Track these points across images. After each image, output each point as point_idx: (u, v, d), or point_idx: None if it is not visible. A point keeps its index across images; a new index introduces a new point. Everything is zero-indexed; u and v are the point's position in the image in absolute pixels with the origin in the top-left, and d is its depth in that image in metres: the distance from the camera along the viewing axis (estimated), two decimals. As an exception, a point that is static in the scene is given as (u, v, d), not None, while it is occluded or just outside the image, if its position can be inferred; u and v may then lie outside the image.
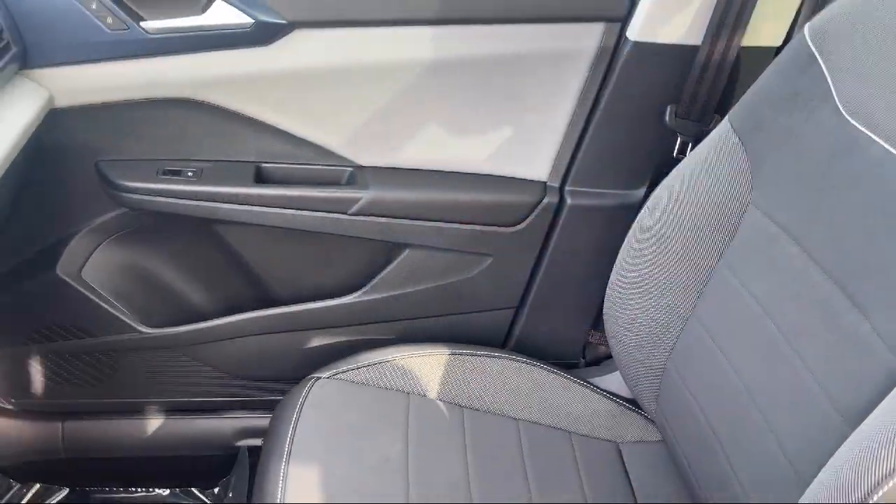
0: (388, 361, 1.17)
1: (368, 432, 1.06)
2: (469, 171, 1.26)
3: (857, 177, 0.77)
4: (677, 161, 1.07)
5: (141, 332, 1.31)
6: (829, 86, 0.83)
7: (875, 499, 0.60)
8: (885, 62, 0.78)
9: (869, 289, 0.73)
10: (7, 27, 1.03)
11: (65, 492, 1.48)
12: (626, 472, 1.08)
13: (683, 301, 1.01)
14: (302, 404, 1.09)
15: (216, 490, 1.48)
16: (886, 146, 0.75)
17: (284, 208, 1.21)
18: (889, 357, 0.68)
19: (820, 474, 0.68)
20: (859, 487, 0.61)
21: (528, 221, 1.27)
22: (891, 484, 0.59)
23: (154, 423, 1.43)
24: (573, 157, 1.25)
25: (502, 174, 1.27)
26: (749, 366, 0.89)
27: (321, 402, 1.10)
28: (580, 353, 1.40)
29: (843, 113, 0.81)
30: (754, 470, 0.85)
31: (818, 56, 0.85)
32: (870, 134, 0.77)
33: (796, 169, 0.86)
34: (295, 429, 1.05)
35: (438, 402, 1.13)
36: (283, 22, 1.10)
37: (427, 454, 1.05)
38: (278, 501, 0.94)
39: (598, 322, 1.36)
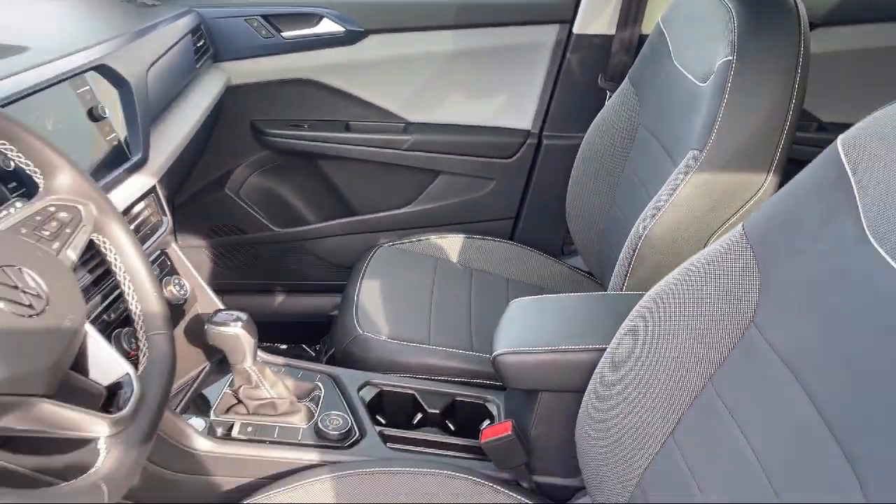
0: (425, 239, 1.80)
1: (408, 282, 1.65)
2: (478, 124, 1.90)
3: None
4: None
5: (273, 231, 1.99)
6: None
7: None
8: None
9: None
10: (207, 38, 1.75)
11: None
12: None
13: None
14: (367, 265, 1.70)
15: (317, 346, 2.13)
16: None
17: (363, 146, 1.87)
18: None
19: None
20: None
21: (518, 155, 1.90)
22: None
23: (278, 298, 2.10)
24: (546, 113, 1.87)
25: (500, 125, 1.91)
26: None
27: (379, 262, 1.72)
28: (560, 246, 2.00)
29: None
30: None
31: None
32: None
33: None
34: (362, 278, 1.64)
35: (456, 264, 1.75)
36: (362, 30, 1.78)
37: (445, 297, 1.61)
38: (356, 325, 1.49)
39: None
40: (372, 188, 1.97)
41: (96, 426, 0.69)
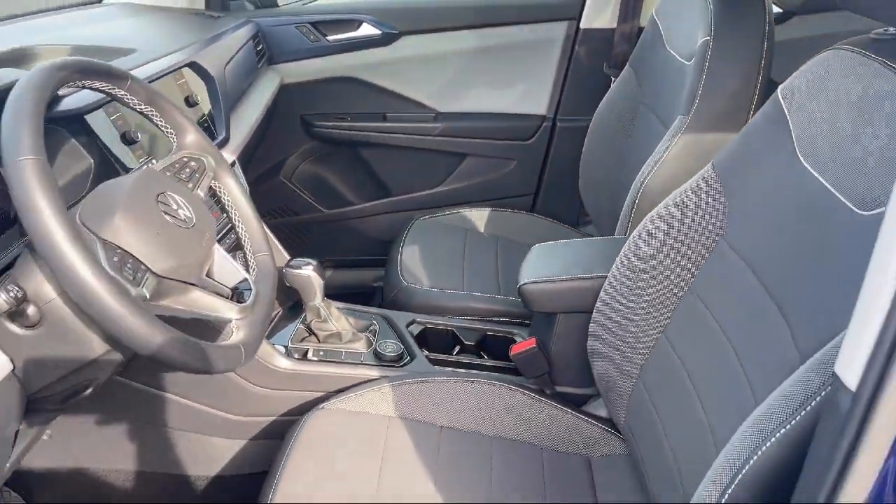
0: (456, 212, 2.02)
1: (443, 246, 1.88)
2: (499, 111, 2.14)
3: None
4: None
5: (321, 211, 2.24)
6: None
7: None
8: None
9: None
10: (264, 43, 2.01)
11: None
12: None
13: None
14: (406, 233, 1.93)
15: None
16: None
17: (398, 134, 2.12)
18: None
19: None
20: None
21: (535, 137, 2.13)
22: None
23: (326, 273, 2.34)
24: (559, 99, 2.10)
25: (519, 112, 2.14)
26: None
27: (417, 231, 1.95)
28: (576, 217, 2.22)
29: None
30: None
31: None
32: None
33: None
34: (403, 243, 1.88)
35: (483, 233, 1.98)
36: (396, 32, 2.03)
37: (475, 256, 1.82)
38: (401, 278, 1.75)
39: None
40: (407, 171, 2.21)
41: (229, 312, 0.93)
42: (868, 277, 0.53)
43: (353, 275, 2.35)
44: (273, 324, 1.48)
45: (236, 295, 0.99)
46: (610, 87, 2.02)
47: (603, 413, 1.31)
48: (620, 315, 1.18)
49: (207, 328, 1.00)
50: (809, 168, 0.90)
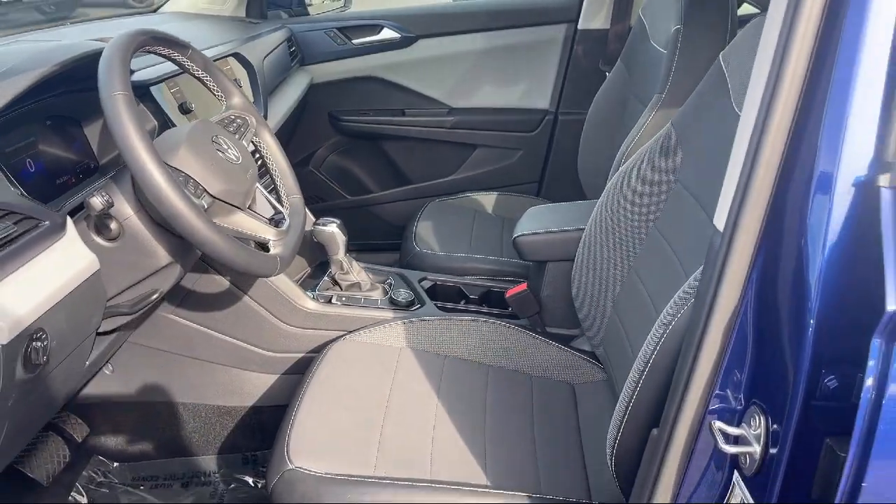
0: (466, 196, 2.22)
1: (454, 222, 2.09)
2: (507, 106, 2.35)
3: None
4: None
5: (346, 198, 2.46)
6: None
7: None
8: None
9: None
10: (297, 45, 2.25)
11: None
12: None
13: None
14: (421, 213, 2.14)
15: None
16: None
17: (415, 127, 2.33)
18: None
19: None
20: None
21: (539, 129, 2.33)
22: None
23: (350, 255, 2.55)
24: (560, 94, 2.30)
25: (524, 106, 2.34)
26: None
27: (431, 211, 2.15)
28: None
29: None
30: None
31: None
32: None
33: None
34: (418, 220, 2.08)
35: (491, 214, 2.17)
36: (413, 36, 2.26)
37: (481, 229, 2.04)
38: (415, 245, 1.96)
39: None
40: (423, 161, 2.42)
41: (267, 233, 1.14)
42: (732, 156, 0.72)
43: (372, 258, 2.54)
44: (301, 280, 1.69)
45: (272, 223, 1.19)
46: (604, 82, 2.22)
47: (586, 348, 1.48)
48: (596, 256, 1.36)
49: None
50: (738, 111, 1.08)
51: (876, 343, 0.58)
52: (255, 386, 1.59)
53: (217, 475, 1.62)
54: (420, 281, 1.71)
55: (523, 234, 1.51)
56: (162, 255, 1.08)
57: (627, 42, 1.97)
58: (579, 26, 2.20)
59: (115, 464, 1.63)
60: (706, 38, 1.55)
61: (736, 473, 0.77)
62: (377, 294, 1.61)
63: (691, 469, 0.81)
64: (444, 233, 1.98)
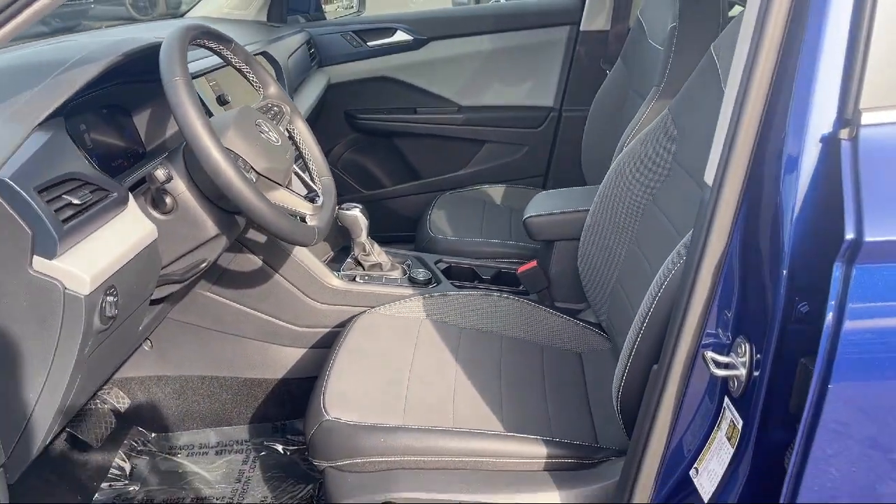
0: (477, 189, 2.33)
1: (465, 212, 2.21)
2: (513, 104, 2.47)
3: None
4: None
5: (361, 192, 2.58)
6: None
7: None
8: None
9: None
10: (315, 48, 2.37)
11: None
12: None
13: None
14: (434, 204, 2.25)
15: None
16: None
17: (426, 125, 2.46)
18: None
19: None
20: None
21: (544, 126, 2.45)
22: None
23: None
24: (564, 92, 2.43)
25: (530, 104, 2.47)
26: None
27: (444, 202, 2.27)
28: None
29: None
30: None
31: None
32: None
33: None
34: (432, 210, 2.19)
35: (500, 205, 2.28)
36: (425, 38, 2.38)
37: (491, 217, 2.15)
38: (429, 231, 2.07)
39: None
40: (434, 157, 2.54)
41: (305, 208, 1.26)
42: (719, 120, 0.83)
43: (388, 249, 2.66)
44: (325, 263, 1.80)
45: (308, 200, 1.31)
46: (605, 80, 2.34)
47: (592, 320, 1.59)
48: (601, 233, 1.48)
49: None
50: (724, 88, 1.19)
51: (837, 266, 0.70)
52: (284, 359, 1.70)
53: (248, 443, 1.73)
54: (436, 263, 1.82)
55: (533, 216, 1.63)
56: (210, 227, 1.20)
57: (626, 42, 2.09)
58: (581, 28, 2.32)
59: (153, 434, 1.74)
60: (699, 34, 1.67)
61: (726, 399, 0.88)
62: (397, 273, 1.72)
63: (687, 399, 0.92)
64: (457, 221, 2.09)
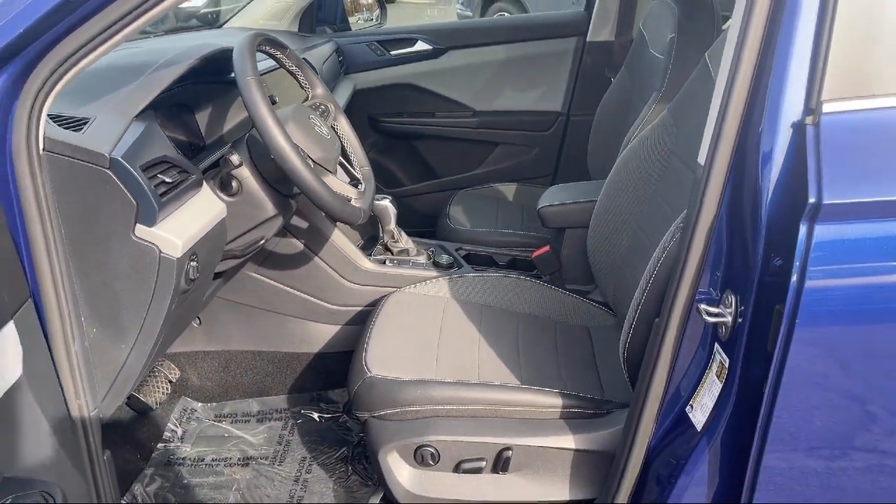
0: (491, 187, 2.50)
1: (481, 208, 2.38)
2: (524, 109, 2.64)
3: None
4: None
5: (383, 191, 2.74)
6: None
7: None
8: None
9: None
10: (343, 56, 2.55)
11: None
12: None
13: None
14: (452, 200, 2.42)
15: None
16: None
17: (444, 127, 2.63)
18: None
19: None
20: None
21: (553, 129, 2.63)
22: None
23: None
24: (571, 98, 2.60)
25: (540, 109, 2.64)
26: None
27: (462, 198, 2.44)
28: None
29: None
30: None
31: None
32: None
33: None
34: (451, 204, 2.36)
35: (512, 202, 2.45)
36: (443, 47, 2.56)
37: (504, 212, 2.32)
38: (448, 223, 2.25)
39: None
40: (450, 157, 2.71)
41: (351, 192, 1.43)
42: (710, 110, 1.00)
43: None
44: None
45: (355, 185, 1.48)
46: (610, 86, 2.51)
47: (600, 299, 1.75)
48: (607, 220, 1.64)
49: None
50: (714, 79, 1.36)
51: (802, 224, 0.86)
52: (320, 335, 1.86)
53: (288, 412, 1.89)
54: (457, 250, 1.99)
55: (546, 206, 1.80)
56: (269, 208, 1.37)
57: (630, 51, 2.27)
58: (588, 39, 2.50)
59: (200, 403, 1.91)
60: (696, 44, 1.84)
61: (716, 345, 1.05)
62: (423, 258, 1.89)
63: (684, 347, 1.08)
64: (473, 215, 2.26)
